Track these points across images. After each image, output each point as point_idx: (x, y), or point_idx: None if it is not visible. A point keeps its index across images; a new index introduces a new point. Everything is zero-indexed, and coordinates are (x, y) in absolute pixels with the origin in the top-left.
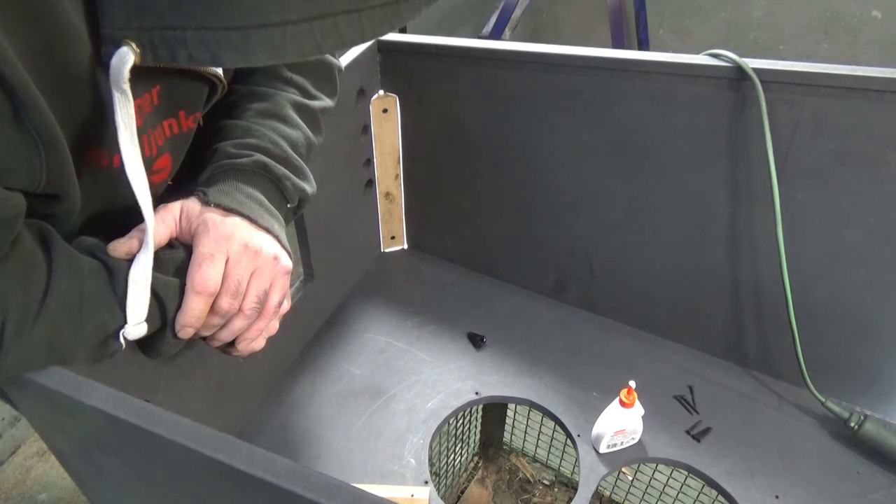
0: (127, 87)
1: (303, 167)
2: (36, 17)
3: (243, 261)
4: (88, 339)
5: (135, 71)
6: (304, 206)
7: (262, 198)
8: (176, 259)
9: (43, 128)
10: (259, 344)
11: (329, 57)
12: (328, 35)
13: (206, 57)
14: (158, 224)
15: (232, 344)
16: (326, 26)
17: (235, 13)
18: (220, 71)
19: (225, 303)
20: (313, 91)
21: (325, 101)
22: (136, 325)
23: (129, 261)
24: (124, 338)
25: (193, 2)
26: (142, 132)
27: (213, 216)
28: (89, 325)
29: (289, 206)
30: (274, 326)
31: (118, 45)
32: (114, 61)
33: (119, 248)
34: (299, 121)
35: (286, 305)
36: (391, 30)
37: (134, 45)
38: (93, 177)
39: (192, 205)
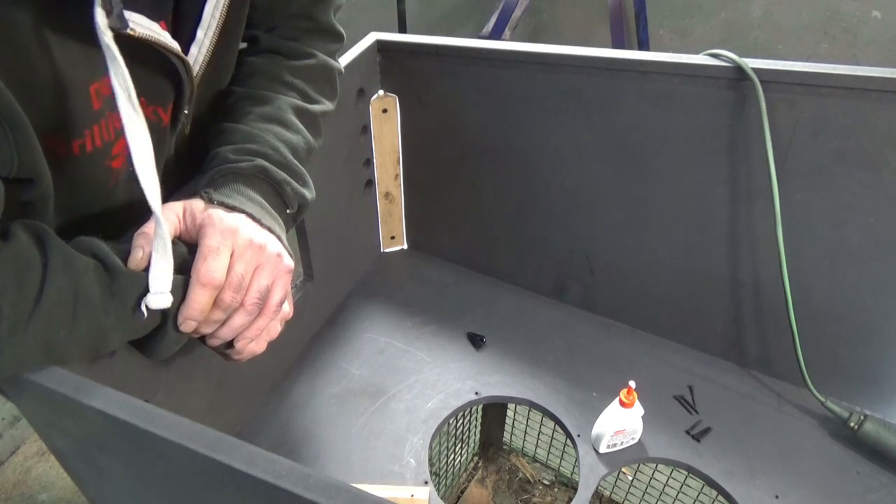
0: (111, 42)
1: (303, 173)
2: None
3: (247, 255)
4: (83, 339)
5: (92, 57)
6: (303, 212)
7: (263, 201)
8: (178, 256)
9: (4, 107)
10: (259, 346)
11: (329, 60)
12: None
13: None
14: None
15: (231, 345)
16: None
17: None
18: (177, 47)
19: (227, 296)
20: (313, 95)
21: (325, 105)
22: (159, 294)
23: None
24: (146, 306)
25: None
26: (99, 116)
27: (218, 211)
28: (84, 324)
29: (288, 211)
30: (275, 328)
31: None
32: (97, 18)
33: (139, 263)
34: (300, 125)
35: (288, 309)
36: None
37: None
38: (55, 166)
39: (195, 203)
